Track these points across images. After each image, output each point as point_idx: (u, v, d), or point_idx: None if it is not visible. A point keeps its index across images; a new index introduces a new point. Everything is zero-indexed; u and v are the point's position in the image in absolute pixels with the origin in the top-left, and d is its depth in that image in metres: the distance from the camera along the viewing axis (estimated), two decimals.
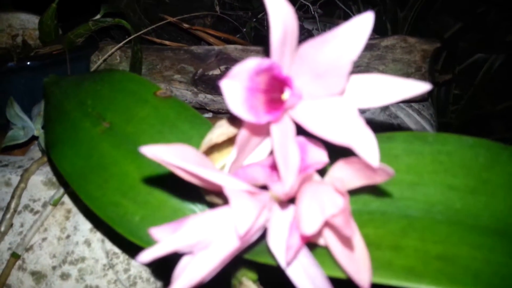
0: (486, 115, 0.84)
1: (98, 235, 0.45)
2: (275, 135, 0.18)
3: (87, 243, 0.45)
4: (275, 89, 0.19)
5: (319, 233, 0.20)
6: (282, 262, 0.19)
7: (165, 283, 0.44)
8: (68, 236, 0.45)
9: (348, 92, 0.20)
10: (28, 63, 0.53)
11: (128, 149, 0.31)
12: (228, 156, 0.25)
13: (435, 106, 0.86)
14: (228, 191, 0.19)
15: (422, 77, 0.55)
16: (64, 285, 0.44)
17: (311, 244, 0.21)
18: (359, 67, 0.55)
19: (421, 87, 0.19)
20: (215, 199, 0.23)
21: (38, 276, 0.44)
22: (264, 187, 0.22)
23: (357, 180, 0.20)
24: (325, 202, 0.18)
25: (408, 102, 0.59)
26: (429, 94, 0.58)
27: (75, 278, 0.44)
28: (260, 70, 0.18)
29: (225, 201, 0.23)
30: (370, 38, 0.55)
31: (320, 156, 0.21)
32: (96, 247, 0.45)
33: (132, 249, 0.43)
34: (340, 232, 0.17)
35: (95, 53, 0.61)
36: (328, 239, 0.19)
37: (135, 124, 0.32)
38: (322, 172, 0.22)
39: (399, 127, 0.58)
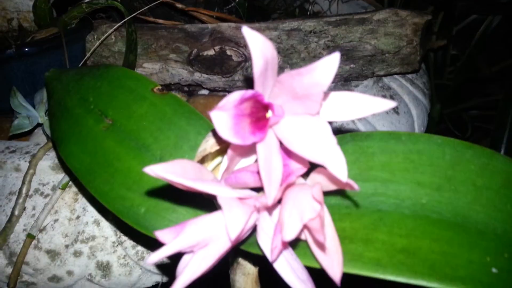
0: (482, 77, 0.86)
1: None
2: (260, 153, 0.22)
3: (96, 222, 0.49)
4: (259, 110, 0.22)
5: (300, 230, 0.24)
6: (270, 259, 0.23)
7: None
8: (78, 217, 0.49)
9: (325, 107, 0.23)
10: (26, 49, 0.55)
11: (130, 146, 0.35)
12: (221, 157, 0.28)
13: (432, 68, 0.89)
14: (220, 200, 0.22)
15: (414, 50, 0.57)
16: (77, 261, 0.49)
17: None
18: (352, 41, 0.57)
19: (387, 105, 0.22)
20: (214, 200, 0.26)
21: (52, 254, 0.49)
22: (254, 189, 0.26)
23: (332, 185, 0.24)
24: (304, 208, 0.22)
25: (401, 74, 0.62)
26: (421, 63, 0.60)
27: (87, 255, 0.49)
28: (244, 99, 0.21)
29: None
30: (363, 12, 0.57)
31: (302, 163, 0.24)
32: (105, 226, 0.49)
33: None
34: (316, 241, 0.21)
35: (90, 33, 0.63)
36: (307, 237, 0.23)
37: (135, 121, 0.36)
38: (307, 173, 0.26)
39: (391, 98, 0.61)
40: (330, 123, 0.23)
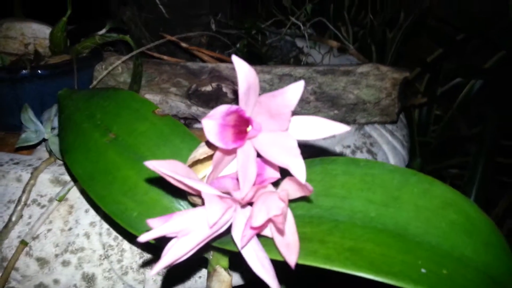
0: (461, 137, 0.94)
1: (97, 229, 0.54)
2: (239, 157, 0.28)
3: (87, 235, 0.54)
4: (241, 124, 0.29)
5: (267, 228, 0.30)
6: (239, 246, 0.28)
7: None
8: (70, 229, 0.54)
9: (293, 127, 0.30)
10: (39, 71, 0.62)
11: (129, 157, 0.41)
12: (207, 168, 0.34)
13: (416, 126, 0.96)
14: (204, 195, 0.28)
15: (392, 102, 0.64)
16: (64, 271, 0.53)
17: (263, 236, 0.30)
18: (337, 90, 0.64)
19: (342, 128, 0.28)
20: (196, 200, 0.32)
21: (42, 262, 0.53)
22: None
23: (297, 192, 0.30)
24: (271, 206, 0.28)
25: (381, 123, 0.69)
26: (398, 115, 0.68)
27: (74, 266, 0.53)
28: (229, 112, 0.27)
29: (203, 202, 0.32)
30: (348, 65, 0.65)
31: (274, 173, 0.31)
32: (94, 239, 0.54)
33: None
34: (278, 230, 0.27)
35: (99, 63, 0.70)
36: (272, 232, 0.29)
37: (136, 136, 0.42)
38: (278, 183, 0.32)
39: (371, 145, 0.67)
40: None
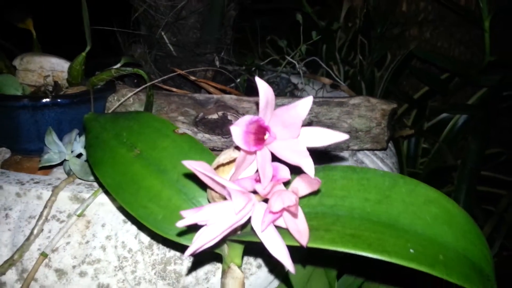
0: (448, 168, 1.02)
1: (112, 242, 0.59)
2: (258, 158, 0.35)
3: (103, 248, 0.59)
4: (260, 132, 0.36)
5: (280, 219, 0.36)
6: (260, 230, 0.35)
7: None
8: (87, 242, 0.59)
9: (302, 135, 0.37)
10: (60, 100, 0.69)
11: (153, 169, 0.47)
12: (229, 172, 0.41)
13: (404, 158, 1.04)
14: (230, 190, 0.35)
15: (382, 131, 0.72)
16: (81, 281, 0.58)
17: (277, 227, 0.37)
18: (332, 119, 0.72)
19: (342, 136, 0.36)
20: (215, 198, 0.39)
21: (60, 273, 0.58)
22: (252, 192, 0.39)
23: (306, 189, 0.36)
24: (285, 198, 0.34)
25: (371, 150, 0.76)
26: (388, 142, 0.75)
27: (91, 276, 0.58)
28: (252, 121, 0.34)
29: (223, 198, 0.39)
30: (341, 97, 0.73)
31: (286, 174, 0.38)
32: (110, 251, 0.59)
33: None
34: (292, 215, 0.33)
35: (112, 94, 0.78)
36: (286, 220, 0.36)
37: (158, 152, 0.49)
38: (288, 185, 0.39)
39: None
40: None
